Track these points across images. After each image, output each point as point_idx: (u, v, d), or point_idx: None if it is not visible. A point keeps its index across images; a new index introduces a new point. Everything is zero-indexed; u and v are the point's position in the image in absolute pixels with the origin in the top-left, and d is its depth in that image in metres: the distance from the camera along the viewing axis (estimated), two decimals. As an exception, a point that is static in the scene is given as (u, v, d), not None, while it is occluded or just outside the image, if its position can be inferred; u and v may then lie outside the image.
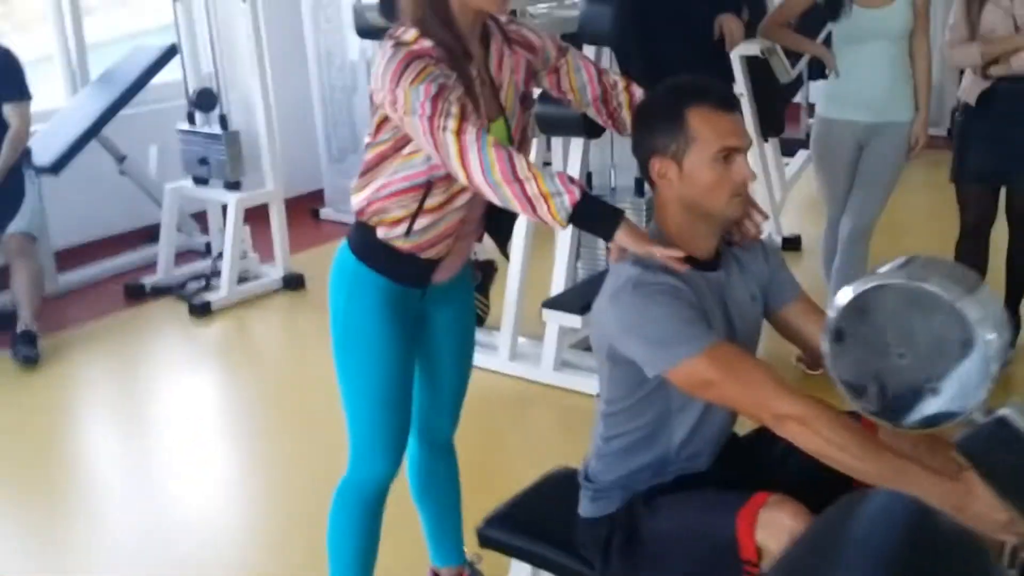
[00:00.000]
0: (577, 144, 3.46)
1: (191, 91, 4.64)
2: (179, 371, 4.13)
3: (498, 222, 2.12)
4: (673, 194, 1.73)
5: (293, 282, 4.75)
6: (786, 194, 5.05)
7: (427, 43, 1.77)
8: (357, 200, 1.96)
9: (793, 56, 4.39)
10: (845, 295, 1.29)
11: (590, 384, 3.51)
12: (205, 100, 4.61)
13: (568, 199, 1.66)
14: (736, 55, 4.33)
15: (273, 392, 3.81)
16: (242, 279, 4.71)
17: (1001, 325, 1.19)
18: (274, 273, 4.79)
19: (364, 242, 1.97)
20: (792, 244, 4.81)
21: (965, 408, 1.18)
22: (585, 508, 1.88)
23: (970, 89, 3.43)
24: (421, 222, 1.90)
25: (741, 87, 4.40)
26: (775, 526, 1.55)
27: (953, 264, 1.31)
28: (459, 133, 1.69)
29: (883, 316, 1.24)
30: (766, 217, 1.86)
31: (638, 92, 1.99)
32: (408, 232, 1.91)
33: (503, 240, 2.26)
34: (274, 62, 5.57)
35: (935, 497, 1.39)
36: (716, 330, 1.68)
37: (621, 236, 1.68)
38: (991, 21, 3.32)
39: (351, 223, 2.01)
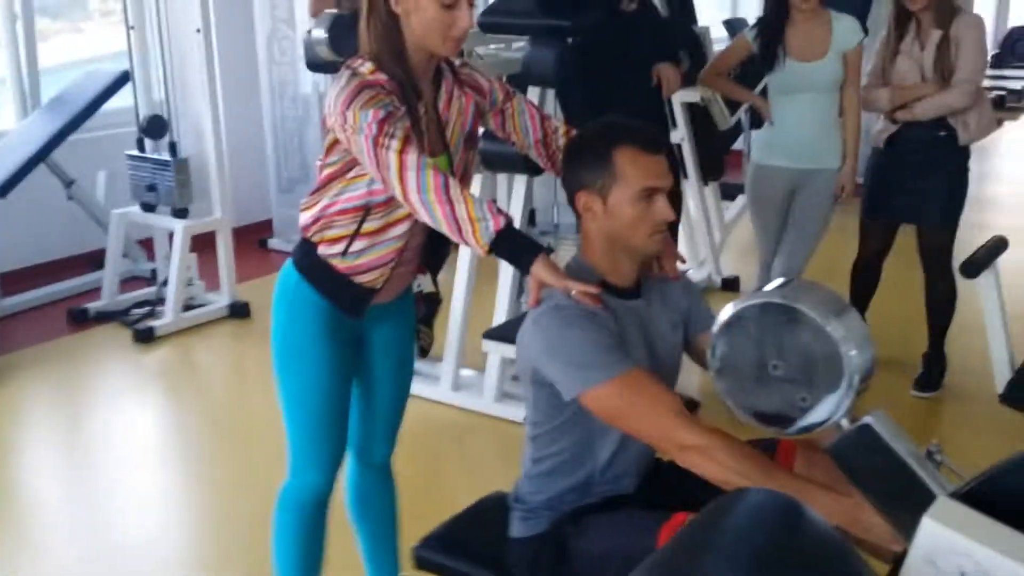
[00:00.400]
0: (521, 181, 3.56)
1: (141, 118, 4.67)
2: (122, 397, 4.12)
3: (432, 254, 2.20)
4: (597, 226, 1.83)
5: (239, 310, 4.77)
6: (726, 236, 5.20)
7: (382, 76, 1.87)
8: (304, 217, 2.04)
9: (733, 105, 4.56)
10: (727, 311, 1.41)
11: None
12: (155, 127, 4.65)
13: (492, 225, 1.76)
14: (677, 101, 4.50)
15: (216, 418, 3.83)
16: (188, 307, 4.72)
17: (863, 344, 1.32)
18: (220, 301, 4.81)
19: (306, 258, 2.05)
20: (731, 285, 4.95)
21: (831, 416, 1.31)
22: (515, 529, 1.95)
23: (880, 132, 3.64)
24: (358, 244, 1.98)
25: (682, 132, 4.57)
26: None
27: (825, 289, 1.44)
28: (401, 153, 1.79)
29: (760, 331, 1.36)
30: (683, 260, 1.96)
31: None
32: (345, 252, 1.99)
33: (435, 270, 2.34)
34: (227, 92, 5.63)
35: (829, 513, 1.46)
36: (634, 357, 1.77)
37: (538, 268, 1.77)
38: (902, 70, 3.53)
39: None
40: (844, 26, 3.48)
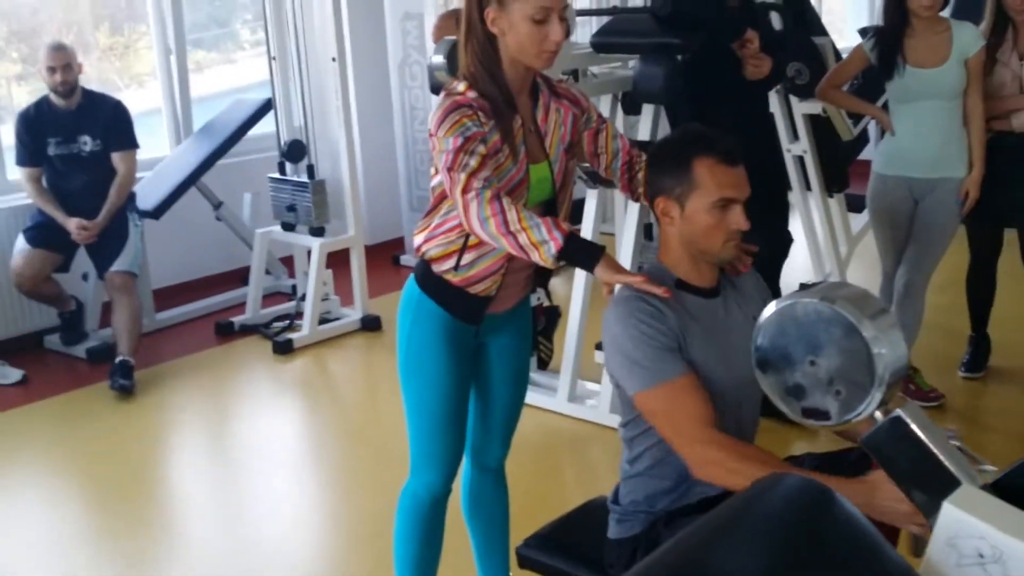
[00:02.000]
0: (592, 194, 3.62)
1: (283, 142, 4.97)
2: (262, 404, 4.39)
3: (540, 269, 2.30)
4: (674, 231, 1.93)
5: (370, 324, 5.00)
6: (852, 249, 5.12)
7: (472, 94, 2.00)
8: (419, 239, 2.19)
9: (857, 115, 4.50)
10: (768, 309, 1.47)
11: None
12: (295, 151, 4.93)
13: (554, 246, 1.88)
14: (799, 113, 4.48)
15: (348, 425, 4.04)
16: (323, 320, 4.98)
17: (894, 343, 1.36)
18: (353, 315, 5.05)
19: (425, 275, 2.19)
20: (858, 298, 4.86)
21: (863, 411, 1.35)
22: (612, 530, 2.03)
23: None
24: (467, 257, 2.10)
25: (804, 143, 4.53)
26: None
27: (862, 290, 1.48)
28: (465, 191, 1.93)
29: (798, 329, 1.42)
30: (753, 254, 2.03)
31: None
32: (456, 266, 2.12)
33: (543, 280, 2.44)
34: (362, 116, 5.94)
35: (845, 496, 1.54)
36: (707, 354, 1.85)
37: (600, 269, 1.90)
38: (1000, 80, 3.51)
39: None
40: (964, 33, 3.42)
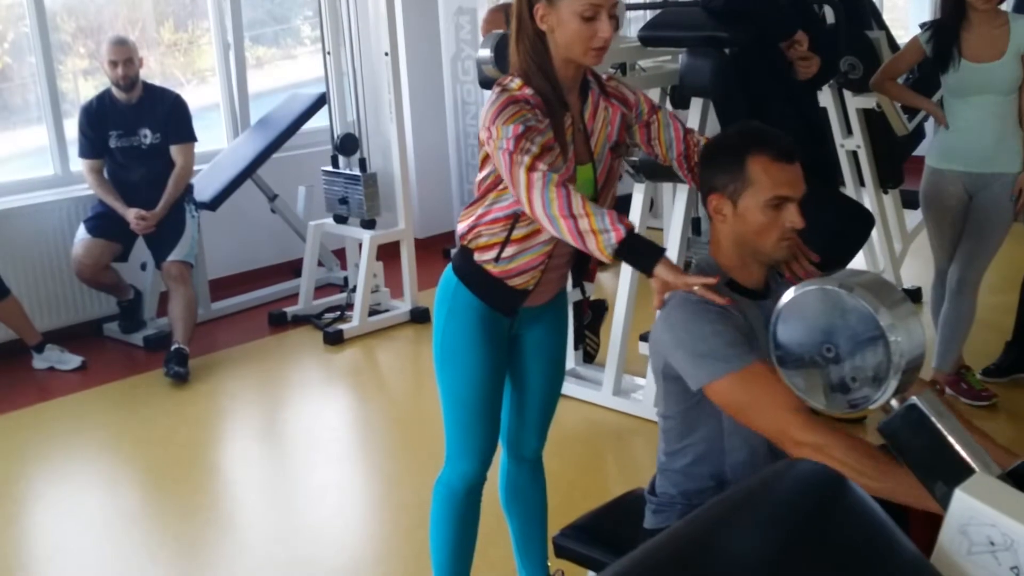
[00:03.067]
0: (683, 190, 3.62)
1: (336, 136, 5.04)
2: (312, 393, 4.46)
3: (578, 261, 2.31)
4: (727, 229, 1.90)
5: (419, 316, 5.04)
6: (907, 246, 5.04)
7: (528, 91, 2.01)
8: (462, 227, 2.21)
9: (912, 110, 4.43)
10: (786, 296, 1.46)
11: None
12: (348, 144, 4.99)
13: (614, 236, 1.85)
14: (852, 108, 4.42)
15: (396, 414, 4.09)
16: (373, 311, 5.04)
17: (911, 331, 1.35)
18: (402, 307, 5.11)
19: (464, 264, 2.21)
20: (913, 296, 4.79)
21: (879, 398, 1.34)
22: (648, 520, 2.04)
23: None
24: (509, 250, 2.12)
25: (857, 139, 4.48)
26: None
27: (880, 278, 1.46)
28: (530, 170, 1.91)
29: (816, 316, 1.41)
30: (816, 259, 1.98)
31: None
32: (498, 258, 2.13)
33: (577, 277, 2.44)
34: (415, 110, 5.98)
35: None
36: (760, 355, 1.81)
37: (660, 270, 1.85)
38: None
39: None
40: (1021, 25, 3.35)
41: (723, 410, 1.82)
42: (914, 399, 1.27)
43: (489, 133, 1.98)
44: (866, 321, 1.33)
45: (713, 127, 3.57)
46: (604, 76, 2.21)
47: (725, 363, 1.76)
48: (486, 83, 3.63)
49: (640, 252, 1.89)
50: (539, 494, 2.53)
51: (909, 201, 5.09)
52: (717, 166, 1.90)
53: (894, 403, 1.33)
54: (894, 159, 4.63)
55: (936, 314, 3.71)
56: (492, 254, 2.14)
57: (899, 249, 4.91)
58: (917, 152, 5.27)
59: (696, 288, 1.82)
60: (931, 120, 3.71)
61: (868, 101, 4.31)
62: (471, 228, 2.16)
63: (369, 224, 4.95)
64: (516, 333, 2.30)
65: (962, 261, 3.54)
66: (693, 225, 3.65)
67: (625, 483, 3.32)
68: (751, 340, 1.82)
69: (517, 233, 2.10)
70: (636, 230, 1.90)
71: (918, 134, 4.65)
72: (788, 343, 1.45)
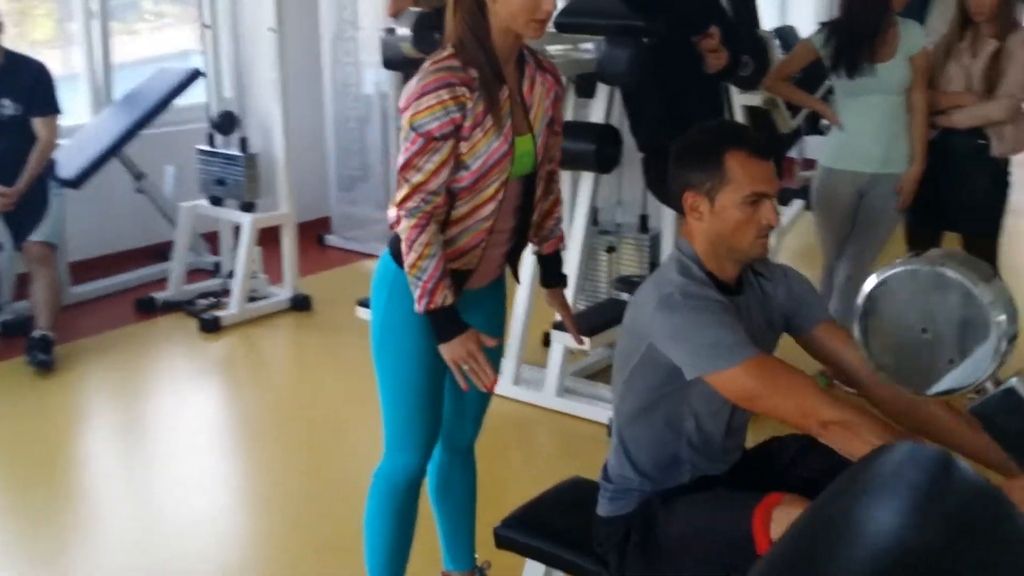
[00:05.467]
0: (588, 178, 3.62)
1: (214, 114, 4.79)
2: (189, 382, 4.23)
3: (516, 245, 2.26)
4: (702, 227, 1.88)
5: (300, 303, 4.87)
6: (781, 240, 5.23)
7: (456, 62, 1.96)
8: (393, 213, 2.12)
9: (792, 110, 4.59)
10: (871, 282, 1.46)
11: (590, 411, 3.65)
12: (226, 123, 4.76)
13: (424, 304, 2.00)
14: (738, 105, 4.54)
15: (277, 406, 3.92)
16: (251, 299, 4.83)
17: (1010, 309, 1.36)
18: (282, 294, 4.92)
19: (400, 251, 2.12)
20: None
21: (978, 379, 1.35)
22: (603, 508, 2.01)
23: None
24: (450, 232, 2.06)
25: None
26: (789, 521, 1.68)
27: (971, 256, 1.48)
28: (403, 202, 1.98)
29: (908, 297, 1.40)
30: None
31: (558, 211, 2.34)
32: None
33: (515, 261, 2.39)
34: (291, 90, 5.75)
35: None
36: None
37: (446, 347, 2.04)
38: (949, 75, 3.60)
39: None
40: (911, 31, 3.51)
41: (731, 400, 1.80)
42: (1013, 382, 1.27)
43: (402, 118, 1.98)
44: (966, 299, 1.32)
45: (619, 117, 3.60)
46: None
47: (734, 353, 1.74)
48: (393, 63, 3.53)
49: (441, 324, 2.04)
50: (470, 486, 2.47)
51: (781, 198, 5.30)
52: (693, 163, 1.88)
53: (988, 386, 1.34)
54: (777, 157, 4.79)
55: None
56: None
57: (774, 244, 5.08)
58: (809, 155, 5.50)
59: (478, 369, 2.02)
60: (806, 122, 3.86)
61: (754, 99, 4.43)
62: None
63: (249, 207, 4.74)
64: None
65: (851, 257, 3.69)
66: (640, 223, 3.66)
67: (531, 472, 3.32)
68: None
69: (457, 212, 2.04)
70: (446, 308, 2.02)
71: (795, 134, 4.83)
72: (880, 326, 1.43)
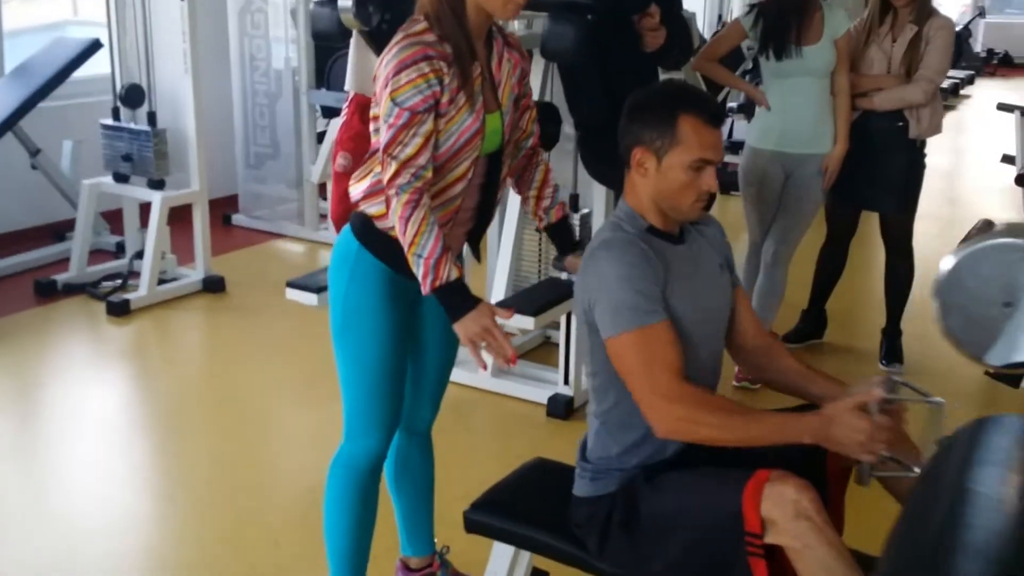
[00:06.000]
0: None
1: (120, 87, 4.56)
2: (94, 369, 4.03)
3: (479, 224, 2.21)
4: (647, 184, 1.92)
5: (213, 285, 4.70)
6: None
7: (431, 36, 1.91)
8: (356, 191, 2.06)
9: (712, 91, 4.65)
10: (948, 261, 1.47)
11: (526, 391, 3.63)
12: (134, 96, 4.54)
13: (424, 286, 1.91)
14: (662, 85, 4.57)
15: (194, 392, 3.78)
16: (160, 280, 4.63)
17: None
18: (193, 275, 4.73)
19: (364, 230, 2.06)
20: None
21: None
22: (583, 488, 1.99)
23: None
24: None
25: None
26: (781, 498, 1.70)
27: None
28: (392, 179, 1.90)
29: (989, 273, 1.42)
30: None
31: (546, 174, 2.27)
32: None
33: (475, 241, 2.35)
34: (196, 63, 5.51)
35: (803, 434, 1.74)
36: (682, 299, 1.86)
37: (460, 324, 1.93)
38: (870, 58, 3.73)
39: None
40: (835, 14, 3.59)
41: (614, 366, 1.85)
42: None
43: (378, 98, 1.92)
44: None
45: (555, 92, 3.57)
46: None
47: (634, 317, 1.80)
48: (324, 35, 3.40)
49: (450, 302, 1.94)
50: (428, 468, 2.41)
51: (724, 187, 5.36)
52: (646, 120, 1.90)
53: None
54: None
55: (748, 286, 3.91)
56: None
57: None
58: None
59: (495, 349, 1.91)
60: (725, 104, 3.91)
61: (678, 77, 4.46)
62: (368, 196, 2.03)
63: (158, 184, 4.53)
64: (417, 299, 2.16)
65: (777, 236, 3.76)
66: (571, 202, 3.63)
67: (471, 454, 3.27)
68: (668, 282, 1.85)
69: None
70: (462, 279, 1.94)
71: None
72: (960, 301, 1.44)
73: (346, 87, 4.08)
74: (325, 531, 2.24)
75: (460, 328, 1.93)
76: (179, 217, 4.72)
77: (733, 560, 1.75)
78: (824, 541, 1.67)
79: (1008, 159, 5.70)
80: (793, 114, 3.64)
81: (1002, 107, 5.85)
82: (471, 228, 2.17)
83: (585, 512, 1.97)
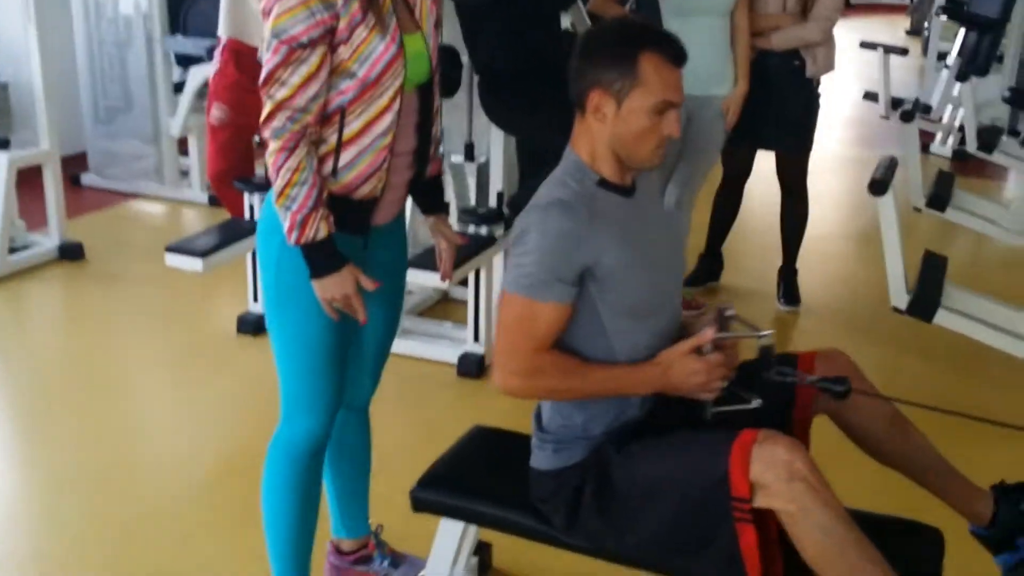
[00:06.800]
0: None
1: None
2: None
3: (419, 171, 2.03)
4: (604, 130, 1.75)
5: (70, 252, 4.31)
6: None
7: None
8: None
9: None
10: None
11: (435, 351, 3.47)
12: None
13: (289, 238, 1.79)
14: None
15: (55, 371, 3.46)
16: (10, 249, 4.21)
17: None
18: (48, 242, 4.33)
19: None
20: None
21: None
22: (544, 461, 1.85)
23: None
24: (345, 156, 1.83)
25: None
26: (772, 460, 1.61)
27: None
28: (266, 121, 1.76)
29: None
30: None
31: None
32: (335, 170, 1.83)
33: (425, 193, 2.16)
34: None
35: (642, 385, 1.75)
36: (628, 259, 1.75)
37: (319, 283, 1.83)
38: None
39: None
40: None
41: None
42: None
43: (266, 15, 1.73)
44: None
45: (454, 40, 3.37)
46: None
47: (530, 286, 1.72)
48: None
49: (314, 260, 1.82)
50: (366, 446, 2.24)
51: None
52: (604, 60, 1.73)
53: None
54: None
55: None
56: (327, 168, 1.83)
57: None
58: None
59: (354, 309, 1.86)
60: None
61: (565, 19, 4.31)
62: None
63: (3, 144, 4.09)
64: (361, 261, 1.95)
65: (679, 181, 3.69)
66: (466, 151, 3.44)
67: (383, 421, 3.07)
68: (602, 254, 1.73)
69: (350, 130, 1.81)
70: (331, 238, 1.82)
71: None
72: None
73: (219, 32, 3.78)
74: (265, 522, 2.04)
75: (318, 286, 1.83)
76: (23, 179, 4.29)
77: (718, 527, 1.66)
78: (821, 503, 1.59)
79: (870, 96, 5.82)
80: (694, 54, 3.47)
81: (865, 45, 5.96)
82: (411, 177, 1.98)
83: (550, 486, 1.84)
